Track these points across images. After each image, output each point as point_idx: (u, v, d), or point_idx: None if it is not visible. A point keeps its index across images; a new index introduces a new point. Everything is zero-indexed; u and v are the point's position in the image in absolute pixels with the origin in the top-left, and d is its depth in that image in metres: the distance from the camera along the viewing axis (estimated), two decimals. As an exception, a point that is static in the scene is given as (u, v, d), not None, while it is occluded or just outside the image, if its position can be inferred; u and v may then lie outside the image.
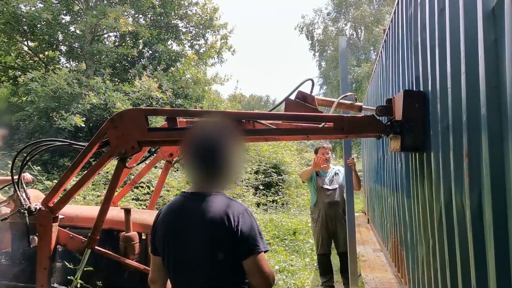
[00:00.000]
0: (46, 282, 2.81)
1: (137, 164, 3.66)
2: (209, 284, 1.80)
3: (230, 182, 2.00)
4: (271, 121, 2.87)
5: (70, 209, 3.41)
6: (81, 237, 2.90)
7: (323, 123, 2.66)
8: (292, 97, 2.98)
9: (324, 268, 5.41)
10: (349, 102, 3.17)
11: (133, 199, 7.51)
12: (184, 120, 3.13)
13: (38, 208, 2.86)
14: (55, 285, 2.97)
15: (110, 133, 2.57)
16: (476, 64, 1.86)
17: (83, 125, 11.01)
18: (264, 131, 2.72)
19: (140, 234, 3.24)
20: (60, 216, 2.99)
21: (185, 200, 1.90)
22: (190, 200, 1.88)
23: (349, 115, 2.71)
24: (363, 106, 3.17)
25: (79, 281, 2.83)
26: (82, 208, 3.80)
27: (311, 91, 2.99)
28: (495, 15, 1.73)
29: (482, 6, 1.80)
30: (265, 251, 1.80)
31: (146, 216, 3.44)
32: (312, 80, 3.04)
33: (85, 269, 2.83)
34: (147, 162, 3.97)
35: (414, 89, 3.21)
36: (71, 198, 2.89)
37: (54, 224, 2.86)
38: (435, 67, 2.51)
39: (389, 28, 4.91)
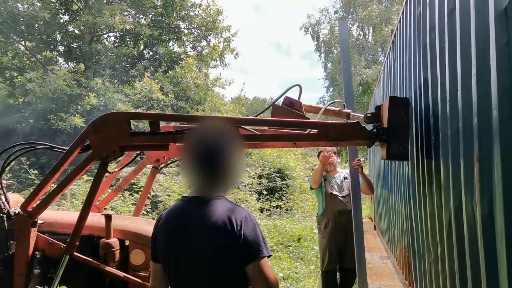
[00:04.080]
0: None
1: (119, 170, 3.63)
2: None
3: (231, 186, 1.96)
4: (259, 127, 2.85)
5: (51, 215, 3.35)
6: (60, 243, 2.85)
7: (308, 130, 2.62)
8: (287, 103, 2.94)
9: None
10: (337, 109, 3.13)
11: (132, 204, 7.47)
12: (172, 125, 3.11)
13: (17, 212, 2.81)
14: None
15: (92, 137, 2.55)
16: (487, 65, 1.81)
17: (83, 125, 10.98)
18: (248, 136, 2.69)
19: (123, 241, 3.19)
20: (40, 221, 2.94)
21: (186, 204, 1.86)
22: (191, 204, 1.84)
23: (334, 121, 2.66)
24: (352, 113, 3.12)
25: None
26: (62, 213, 3.75)
27: (299, 97, 2.96)
28: (507, 15, 1.68)
29: (494, 5, 1.75)
30: (269, 256, 1.76)
31: (128, 222, 3.39)
32: (299, 86, 3.00)
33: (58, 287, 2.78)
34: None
35: (423, 92, 3.16)
36: (50, 203, 2.84)
37: (32, 229, 2.81)
38: (445, 69, 2.46)
39: (397, 29, 4.86)
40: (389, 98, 2.57)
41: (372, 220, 10.64)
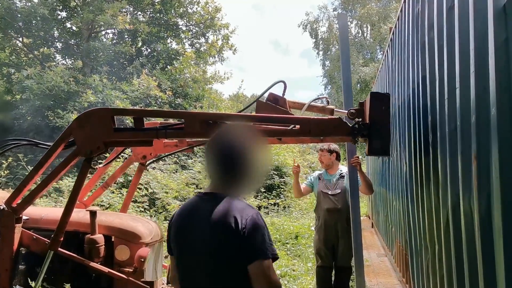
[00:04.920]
0: (7, 284, 2.77)
1: (104, 165, 3.67)
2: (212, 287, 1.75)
3: (248, 188, 1.93)
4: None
5: (36, 211, 3.37)
6: (44, 239, 2.86)
7: (292, 125, 2.63)
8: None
9: (321, 283, 4.80)
10: (321, 105, 3.14)
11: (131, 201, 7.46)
12: (159, 121, 3.13)
13: (1, 208, 2.82)
14: (17, 287, 2.93)
15: (76, 133, 2.57)
16: (486, 63, 1.81)
17: None
18: None
19: (109, 237, 3.19)
20: (25, 218, 2.95)
21: (198, 200, 1.86)
22: (203, 200, 1.83)
23: (316, 117, 2.67)
24: (335, 109, 3.13)
25: (43, 284, 2.78)
26: (48, 210, 3.77)
27: (283, 94, 2.97)
28: (506, 13, 1.68)
29: (493, 3, 1.75)
30: (274, 259, 1.70)
31: (113, 218, 3.40)
32: (284, 82, 3.01)
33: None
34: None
35: (421, 90, 3.16)
36: (35, 199, 2.86)
37: (17, 225, 2.82)
38: (443, 66, 2.46)
39: (395, 27, 4.86)
40: (370, 93, 2.56)
41: (369, 218, 10.66)
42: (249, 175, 1.82)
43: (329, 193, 4.74)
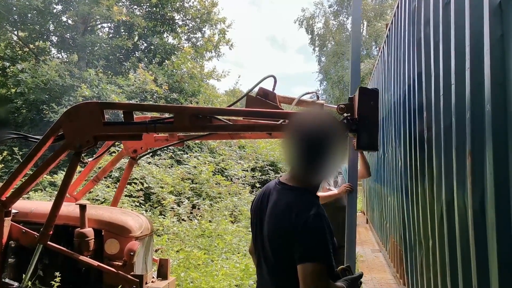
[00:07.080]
0: None
1: (94, 159, 3.67)
2: (270, 277, 1.78)
3: (324, 178, 1.90)
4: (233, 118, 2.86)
5: (26, 204, 3.37)
6: (34, 232, 2.86)
7: (281, 120, 2.63)
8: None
9: None
10: (310, 100, 3.14)
11: (126, 195, 7.42)
12: (150, 115, 3.13)
13: None
14: (7, 280, 2.93)
15: (66, 126, 2.58)
16: (481, 60, 1.82)
17: None
18: (220, 126, 2.70)
19: (99, 231, 3.19)
20: (14, 211, 2.94)
21: (273, 186, 1.85)
22: (276, 187, 1.82)
23: (304, 112, 2.66)
24: (325, 104, 3.13)
25: (30, 282, 2.78)
26: (38, 203, 3.78)
27: (273, 88, 2.98)
28: (502, 10, 1.69)
29: (488, 0, 1.76)
30: (327, 266, 1.57)
31: (103, 212, 3.40)
32: (274, 77, 3.01)
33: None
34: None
35: (416, 86, 3.17)
36: (24, 192, 2.86)
37: (6, 218, 2.82)
38: (439, 63, 2.47)
39: (391, 23, 4.87)
40: (358, 88, 2.57)
41: (364, 214, 10.71)
42: (330, 164, 1.76)
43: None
